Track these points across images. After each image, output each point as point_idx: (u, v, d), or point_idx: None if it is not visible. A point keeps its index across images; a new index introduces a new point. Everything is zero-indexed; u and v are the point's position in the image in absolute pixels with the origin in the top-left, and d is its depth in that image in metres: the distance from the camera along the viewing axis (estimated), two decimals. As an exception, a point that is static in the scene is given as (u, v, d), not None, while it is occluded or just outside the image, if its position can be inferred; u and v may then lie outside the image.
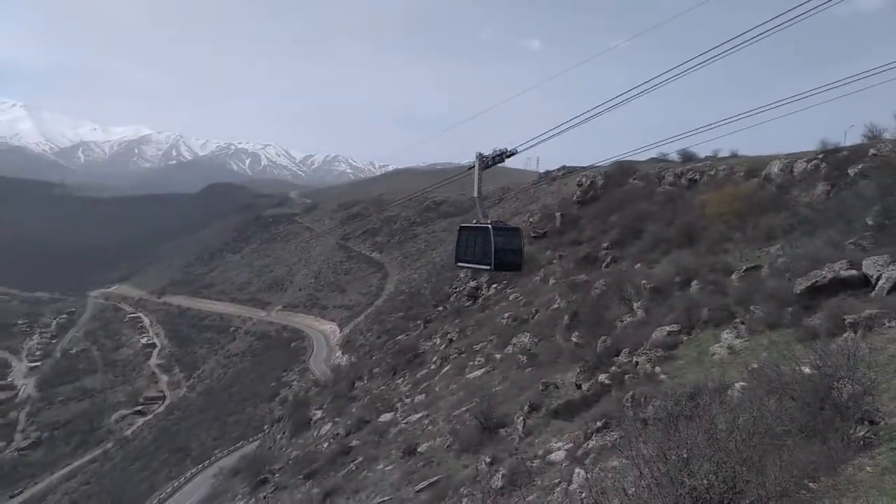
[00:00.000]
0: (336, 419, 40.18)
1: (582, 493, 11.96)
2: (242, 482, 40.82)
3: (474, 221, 19.01)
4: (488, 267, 17.84)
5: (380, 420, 33.62)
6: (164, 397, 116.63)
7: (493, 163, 18.09)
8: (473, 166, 18.26)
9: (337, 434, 36.05)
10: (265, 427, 65.30)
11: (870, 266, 16.69)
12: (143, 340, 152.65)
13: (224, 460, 62.65)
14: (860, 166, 27.17)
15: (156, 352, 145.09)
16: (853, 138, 33.47)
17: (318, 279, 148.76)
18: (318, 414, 45.65)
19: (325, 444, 35.76)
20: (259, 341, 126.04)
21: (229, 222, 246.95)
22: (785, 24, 11.35)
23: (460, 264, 20.00)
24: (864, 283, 16.72)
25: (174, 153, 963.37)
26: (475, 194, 18.82)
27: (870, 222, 20.26)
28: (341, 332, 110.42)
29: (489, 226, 17.81)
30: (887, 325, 13.39)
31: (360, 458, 28.77)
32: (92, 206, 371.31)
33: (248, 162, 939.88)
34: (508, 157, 17.99)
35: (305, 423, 45.13)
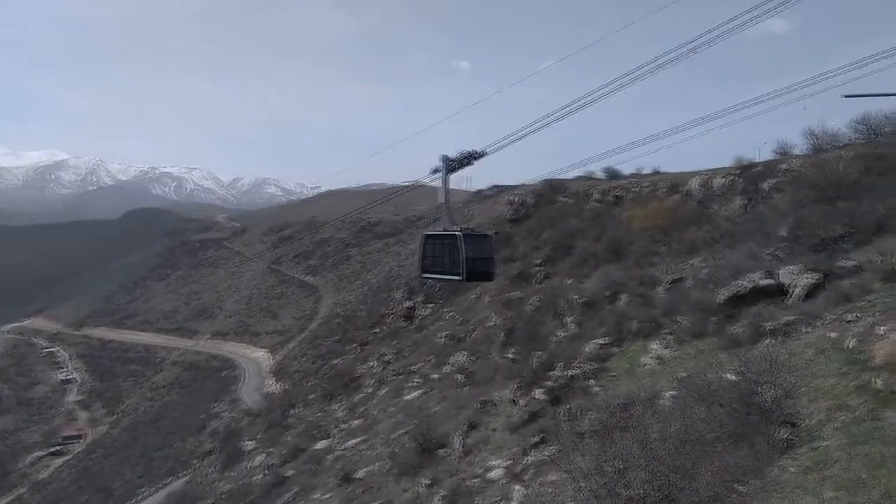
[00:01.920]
0: (270, 449, 38.98)
1: (522, 510, 11.93)
2: (171, 521, 38.88)
3: (441, 229, 17.58)
4: (458, 277, 16.60)
5: (316, 447, 32.83)
6: (84, 435, 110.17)
7: (460, 166, 16.77)
8: (439, 170, 16.90)
9: (271, 465, 34.93)
10: (195, 461, 62.57)
11: (786, 275, 17.56)
12: (61, 376, 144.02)
13: (151, 499, 59.65)
14: (773, 181, 28.74)
15: (75, 387, 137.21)
16: (766, 154, 35.40)
17: (248, 305, 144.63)
18: (251, 445, 44.17)
19: (259, 476, 34.57)
20: (187, 372, 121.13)
21: (154, 249, 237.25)
22: (702, 46, 11.88)
23: (426, 276, 18.48)
24: (781, 292, 17.57)
25: (94, 178, 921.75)
26: (442, 200, 17.47)
27: (784, 234, 21.36)
28: (274, 358, 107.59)
29: (458, 233, 16.52)
30: (803, 330, 14.06)
31: (296, 489, 27.93)
32: (3, 234, 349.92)
33: (172, 186, 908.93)
34: (477, 158, 16.62)
35: (237, 455, 43.54)
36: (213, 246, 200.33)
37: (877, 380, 9.41)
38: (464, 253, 16.09)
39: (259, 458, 38.49)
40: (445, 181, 16.90)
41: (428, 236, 18.24)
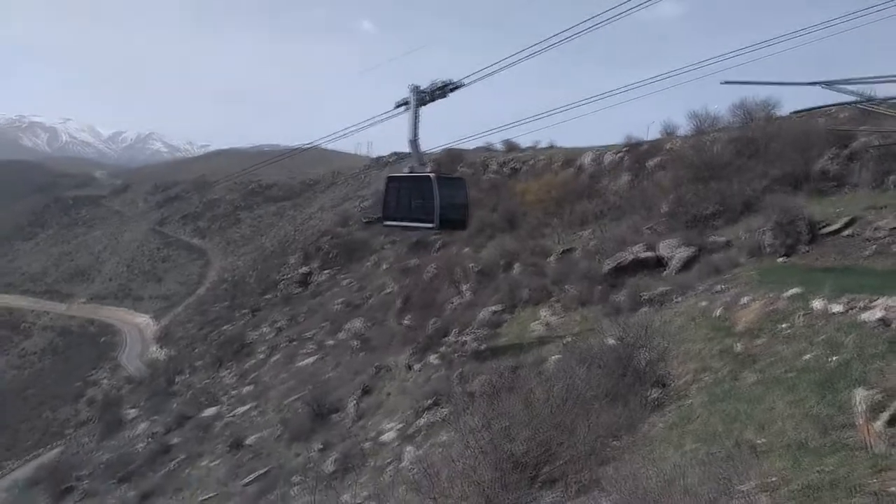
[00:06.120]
0: (153, 417, 37.53)
1: (413, 468, 12.28)
2: (44, 493, 36.70)
3: (406, 170, 15.55)
4: (430, 225, 14.77)
5: (203, 415, 31.98)
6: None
7: (431, 98, 14.80)
8: (407, 103, 14.98)
9: (155, 433, 33.67)
10: (68, 431, 59.11)
11: (663, 248, 18.85)
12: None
13: (18, 472, 55.76)
14: (658, 159, 30.45)
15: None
16: (653, 134, 37.35)
17: (130, 268, 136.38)
18: (133, 413, 42.30)
19: (142, 444, 33.27)
20: (60, 337, 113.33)
21: (21, 205, 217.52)
22: (596, 25, 12.34)
23: (389, 223, 16.48)
24: (659, 264, 18.86)
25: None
26: (411, 137, 15.24)
27: (664, 209, 22.79)
28: (158, 324, 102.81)
29: (431, 175, 14.61)
30: (675, 300, 15.21)
31: (182, 456, 27.21)
32: None
33: (45, 138, 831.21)
34: (452, 90, 14.64)
35: (118, 424, 41.56)
36: (89, 204, 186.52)
37: (737, 344, 10.39)
38: (438, 198, 14.33)
39: (142, 427, 37.00)
40: (416, 115, 15.10)
41: (392, 178, 16.33)
